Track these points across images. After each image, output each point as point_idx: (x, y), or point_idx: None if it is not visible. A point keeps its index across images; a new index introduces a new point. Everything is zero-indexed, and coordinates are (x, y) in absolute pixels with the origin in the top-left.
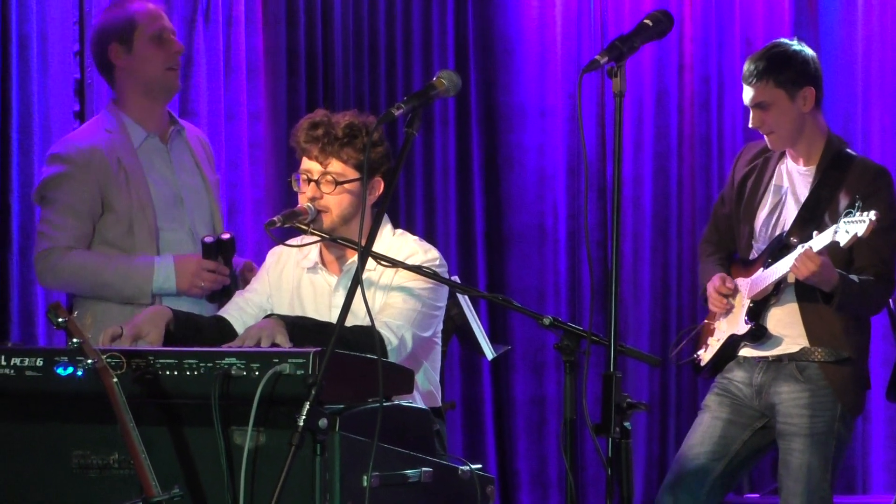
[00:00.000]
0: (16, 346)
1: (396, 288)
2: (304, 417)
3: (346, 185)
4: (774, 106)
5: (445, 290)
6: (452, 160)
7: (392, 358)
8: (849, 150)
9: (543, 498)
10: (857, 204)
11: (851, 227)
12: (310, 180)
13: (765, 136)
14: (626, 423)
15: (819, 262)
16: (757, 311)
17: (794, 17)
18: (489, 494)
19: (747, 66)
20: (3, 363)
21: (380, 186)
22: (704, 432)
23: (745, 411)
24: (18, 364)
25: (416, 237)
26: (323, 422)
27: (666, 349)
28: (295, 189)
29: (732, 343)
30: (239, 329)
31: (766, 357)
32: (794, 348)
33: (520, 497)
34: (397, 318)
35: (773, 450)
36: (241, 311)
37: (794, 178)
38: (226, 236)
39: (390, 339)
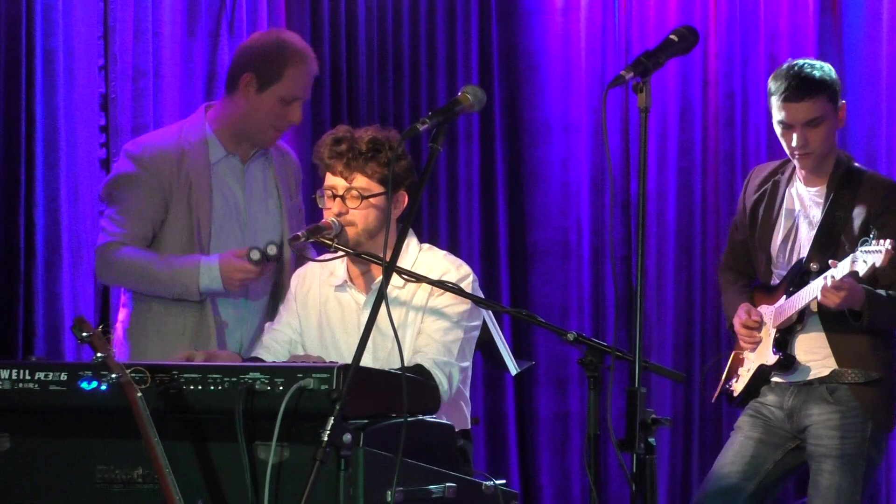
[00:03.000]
0: (40, 360)
1: (434, 313)
2: (328, 432)
3: (371, 200)
4: (826, 122)
5: (479, 309)
6: (476, 175)
7: (444, 400)
8: (857, 165)
9: None
10: (872, 233)
11: (869, 257)
12: (335, 196)
13: (797, 158)
14: (651, 439)
15: (845, 289)
16: (783, 340)
17: (818, 33)
18: None
19: (791, 84)
20: (28, 378)
21: (404, 200)
22: (737, 452)
23: (777, 432)
24: (43, 378)
25: (444, 252)
26: (347, 437)
27: (690, 365)
28: (320, 205)
29: (762, 373)
30: None
31: (798, 382)
32: (825, 372)
33: None
34: (443, 354)
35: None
36: (272, 352)
37: (804, 201)
38: (272, 251)
39: (442, 382)
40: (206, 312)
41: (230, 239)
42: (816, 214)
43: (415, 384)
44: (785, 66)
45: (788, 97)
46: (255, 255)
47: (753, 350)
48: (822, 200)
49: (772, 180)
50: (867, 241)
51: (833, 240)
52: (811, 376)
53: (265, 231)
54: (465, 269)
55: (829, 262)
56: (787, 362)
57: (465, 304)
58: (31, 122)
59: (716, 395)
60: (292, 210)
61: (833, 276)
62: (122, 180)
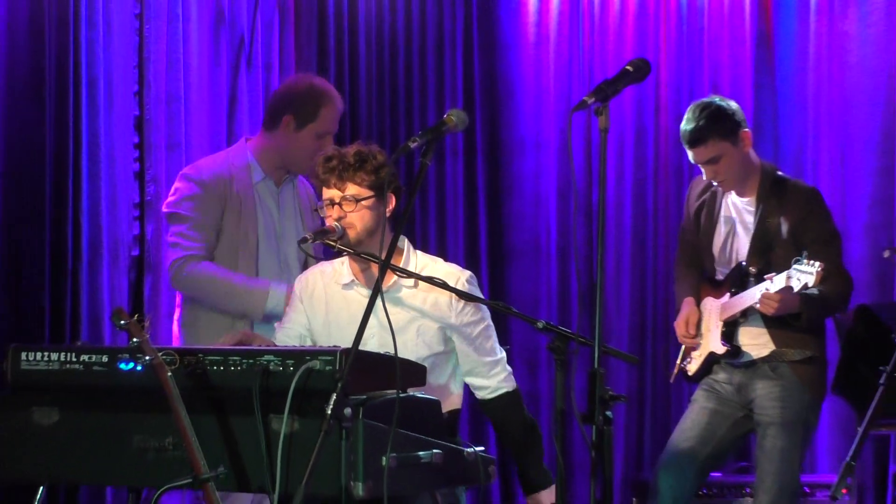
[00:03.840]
0: (84, 345)
1: (476, 336)
2: (331, 407)
3: (363, 203)
4: (724, 157)
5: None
6: (461, 186)
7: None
8: (780, 174)
9: None
10: (804, 252)
11: (803, 276)
12: (333, 204)
13: (716, 183)
14: (609, 413)
15: (778, 300)
16: (729, 332)
17: (754, 64)
18: (491, 473)
19: (688, 132)
20: (74, 359)
21: (393, 200)
22: (694, 420)
23: (729, 403)
24: (87, 360)
25: (443, 260)
26: (348, 411)
27: (642, 350)
28: (322, 215)
29: (713, 358)
30: None
31: (744, 362)
32: (766, 352)
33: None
34: (503, 368)
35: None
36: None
37: (739, 209)
38: (308, 236)
39: (512, 386)
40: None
41: (272, 248)
42: (750, 220)
43: (407, 364)
44: (688, 110)
45: (687, 144)
46: (302, 244)
47: (693, 348)
48: (753, 209)
49: (710, 191)
50: (800, 259)
51: (766, 245)
52: (755, 357)
53: (294, 245)
54: (467, 272)
55: (765, 277)
56: (734, 352)
57: (478, 309)
58: (77, 140)
59: (673, 375)
60: (316, 227)
61: (769, 289)
62: (186, 200)
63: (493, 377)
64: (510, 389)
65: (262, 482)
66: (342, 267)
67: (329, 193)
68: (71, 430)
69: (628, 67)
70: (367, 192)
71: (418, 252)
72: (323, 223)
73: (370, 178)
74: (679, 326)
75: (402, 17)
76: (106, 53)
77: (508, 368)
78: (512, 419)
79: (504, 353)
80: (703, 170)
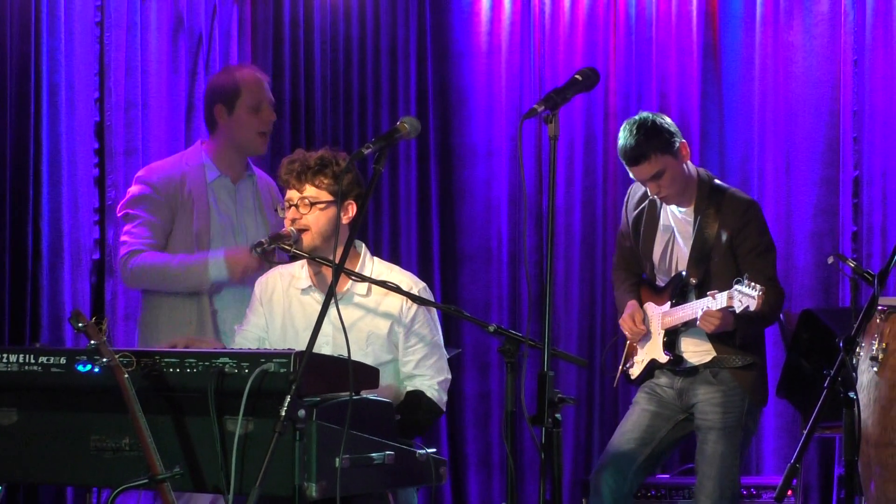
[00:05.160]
0: (43, 346)
1: (417, 336)
2: (285, 408)
3: (319, 206)
4: (667, 170)
5: (436, 315)
6: (414, 192)
7: (444, 410)
8: (717, 183)
9: (488, 478)
10: (745, 275)
11: (745, 298)
12: (290, 205)
13: (658, 198)
14: (558, 415)
15: (719, 318)
16: (671, 341)
17: (701, 74)
18: (442, 474)
19: (628, 149)
20: (32, 361)
21: (352, 209)
22: (634, 422)
23: (669, 406)
24: (45, 362)
25: (399, 268)
26: (302, 412)
27: (591, 352)
28: (281, 216)
29: (655, 365)
30: None
31: (685, 367)
32: (707, 358)
33: (468, 477)
34: (437, 376)
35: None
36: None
37: (678, 219)
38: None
39: (443, 403)
40: (204, 306)
41: (226, 244)
42: (689, 230)
43: (360, 367)
44: (622, 128)
45: (628, 161)
46: (258, 249)
47: (645, 341)
48: (691, 220)
49: (648, 199)
50: (741, 280)
51: (705, 254)
52: (696, 363)
53: (254, 239)
54: (421, 283)
55: (708, 293)
56: (676, 361)
57: (428, 314)
58: (38, 145)
59: (616, 379)
60: (278, 225)
61: (710, 307)
62: (136, 201)
63: (419, 373)
64: (442, 404)
65: (217, 482)
66: (301, 271)
67: (289, 194)
68: (29, 431)
69: (577, 76)
70: (325, 197)
71: (375, 259)
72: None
73: (329, 183)
74: (625, 322)
75: (356, 26)
76: (67, 61)
77: (441, 381)
78: (410, 416)
79: (448, 375)
80: (647, 187)
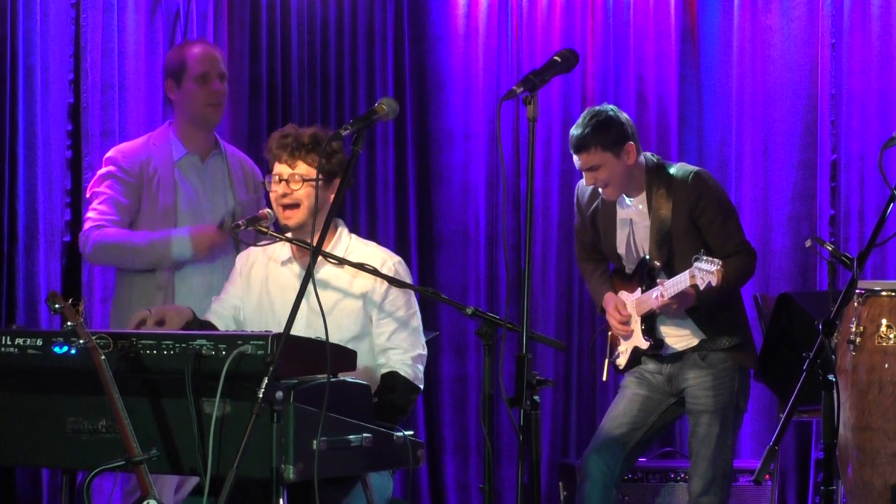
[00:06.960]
0: (19, 328)
1: (391, 308)
2: (263, 391)
3: (310, 183)
4: (604, 166)
5: (413, 294)
6: (392, 174)
7: (421, 389)
8: (663, 164)
9: (465, 461)
10: (701, 250)
11: (705, 275)
12: (280, 180)
13: (600, 189)
14: (536, 397)
15: (675, 302)
16: (649, 326)
17: (679, 58)
18: (419, 457)
19: (573, 137)
20: (9, 343)
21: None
22: (626, 407)
23: (659, 390)
24: (21, 344)
25: (374, 243)
26: (279, 394)
27: (569, 336)
28: (268, 189)
29: (639, 352)
30: (222, 328)
31: (672, 353)
32: (694, 342)
33: (445, 460)
34: (411, 350)
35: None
36: (219, 315)
37: (633, 210)
38: (228, 224)
39: (420, 379)
40: (172, 285)
41: (193, 223)
42: (645, 218)
43: (337, 349)
44: (581, 115)
45: (572, 147)
46: (236, 229)
47: (627, 336)
48: (645, 206)
49: (600, 196)
50: (699, 257)
51: (665, 237)
52: (682, 348)
53: (223, 216)
54: (396, 256)
55: (658, 281)
56: (657, 346)
57: (405, 295)
58: (14, 127)
59: (605, 373)
60: (252, 203)
61: (663, 293)
62: (102, 178)
63: (392, 346)
64: (419, 382)
65: (194, 464)
66: (279, 248)
67: (278, 168)
68: (5, 413)
69: (556, 58)
70: (315, 174)
71: (353, 235)
72: (267, 197)
73: (321, 161)
74: (612, 316)
75: (333, 9)
76: (43, 42)
77: (416, 357)
78: (387, 398)
79: (423, 350)
80: (584, 175)
